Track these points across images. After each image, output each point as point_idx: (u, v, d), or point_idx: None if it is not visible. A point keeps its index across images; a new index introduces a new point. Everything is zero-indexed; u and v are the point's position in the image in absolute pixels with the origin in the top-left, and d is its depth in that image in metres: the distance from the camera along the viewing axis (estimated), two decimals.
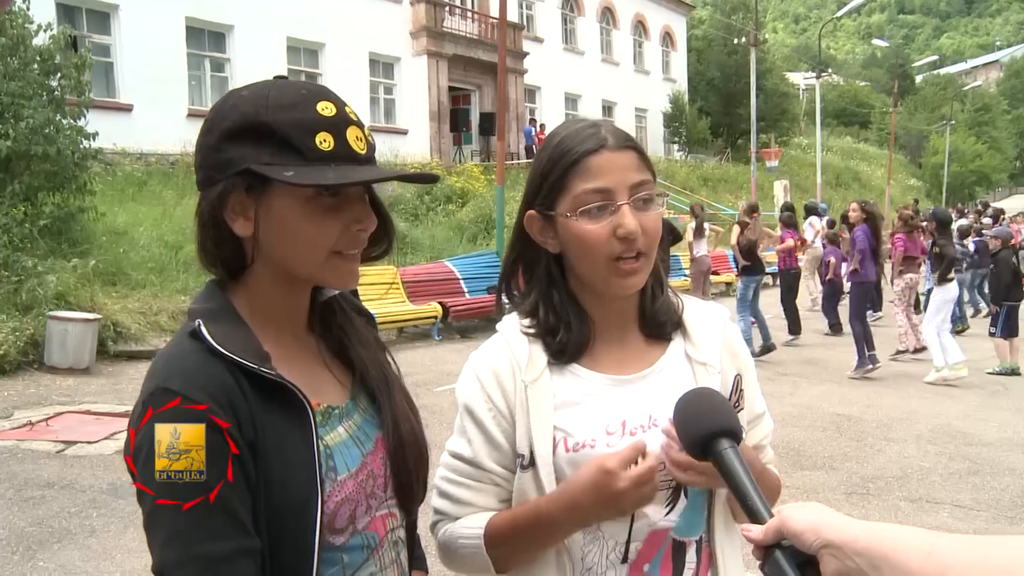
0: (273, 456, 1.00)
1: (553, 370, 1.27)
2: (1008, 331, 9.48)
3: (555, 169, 1.23)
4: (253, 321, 1.08)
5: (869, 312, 13.34)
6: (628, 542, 1.22)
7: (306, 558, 1.01)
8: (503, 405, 1.26)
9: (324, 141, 1.02)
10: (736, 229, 10.84)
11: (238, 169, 1.02)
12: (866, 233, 9.60)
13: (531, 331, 1.29)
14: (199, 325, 1.01)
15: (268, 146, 1.01)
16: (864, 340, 9.17)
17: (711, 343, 1.31)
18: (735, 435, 0.93)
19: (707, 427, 0.94)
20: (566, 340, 1.27)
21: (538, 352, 1.27)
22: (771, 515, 0.83)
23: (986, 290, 12.44)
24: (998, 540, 0.71)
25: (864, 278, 9.62)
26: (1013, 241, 10.80)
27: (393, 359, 1.28)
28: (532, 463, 1.22)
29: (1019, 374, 9.27)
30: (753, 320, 10.74)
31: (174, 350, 1.03)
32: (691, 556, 1.26)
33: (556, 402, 1.24)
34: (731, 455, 0.90)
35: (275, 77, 1.11)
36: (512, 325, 1.32)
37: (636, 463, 1.12)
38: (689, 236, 12.40)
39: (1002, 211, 23.68)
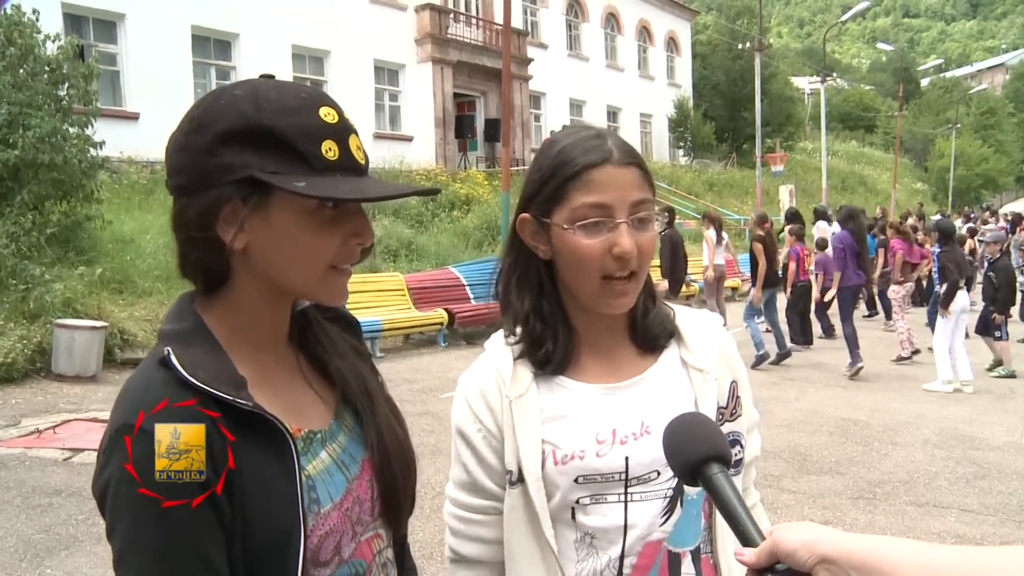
0: (251, 492, 0.93)
1: (540, 384, 1.25)
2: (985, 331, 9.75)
3: (555, 177, 1.20)
4: (230, 340, 1.01)
5: (880, 317, 13.37)
6: (622, 557, 1.20)
7: None
8: (491, 424, 1.24)
9: (330, 150, 0.96)
10: (759, 247, 10.35)
11: (238, 176, 0.94)
12: (844, 238, 9.70)
13: (516, 345, 1.27)
14: (168, 353, 0.93)
15: (271, 153, 0.94)
16: (853, 340, 9.46)
17: (707, 350, 1.29)
18: (725, 460, 0.93)
19: (697, 453, 0.94)
20: (552, 351, 1.25)
21: (523, 367, 1.25)
22: (763, 538, 0.83)
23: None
24: (995, 551, 0.71)
25: (847, 282, 9.90)
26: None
27: (374, 366, 1.22)
28: (521, 479, 1.21)
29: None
30: (769, 328, 10.72)
31: (142, 379, 0.95)
32: (688, 567, 1.24)
33: (544, 416, 1.22)
34: (721, 480, 0.91)
35: (261, 76, 1.02)
36: (497, 342, 1.30)
37: None
38: (708, 244, 12.36)
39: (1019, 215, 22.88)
